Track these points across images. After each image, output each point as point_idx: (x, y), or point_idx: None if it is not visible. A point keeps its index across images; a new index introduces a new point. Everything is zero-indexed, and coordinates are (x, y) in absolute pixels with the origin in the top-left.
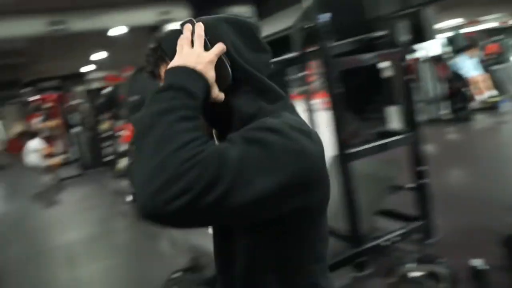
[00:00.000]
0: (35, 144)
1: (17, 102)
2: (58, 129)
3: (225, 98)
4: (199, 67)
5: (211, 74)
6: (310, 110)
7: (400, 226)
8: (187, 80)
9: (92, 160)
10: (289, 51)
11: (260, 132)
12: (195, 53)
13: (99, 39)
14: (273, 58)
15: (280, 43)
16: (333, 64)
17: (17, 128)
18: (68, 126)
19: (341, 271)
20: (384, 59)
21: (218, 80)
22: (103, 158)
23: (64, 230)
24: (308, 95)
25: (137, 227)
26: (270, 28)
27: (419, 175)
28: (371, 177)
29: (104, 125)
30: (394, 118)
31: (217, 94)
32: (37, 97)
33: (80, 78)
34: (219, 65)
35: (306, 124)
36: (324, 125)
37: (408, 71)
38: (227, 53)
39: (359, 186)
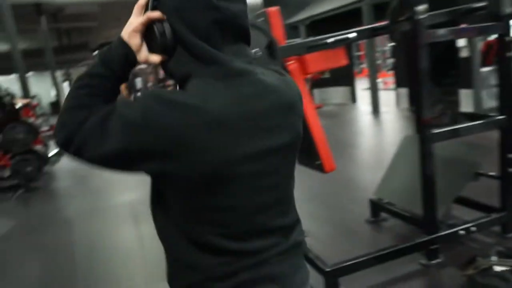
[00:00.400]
0: None
1: (85, 65)
2: (124, 92)
3: (165, 61)
4: (124, 35)
5: (134, 42)
6: (375, 89)
7: (479, 216)
8: (108, 49)
9: None
10: (359, 24)
11: (137, 100)
12: (128, 22)
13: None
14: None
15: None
16: (423, 36)
17: None
18: (132, 90)
19: (410, 256)
20: (483, 32)
21: (150, 44)
22: None
23: (128, 189)
24: (373, 73)
25: None
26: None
27: (508, 163)
28: (452, 161)
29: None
30: (466, 102)
31: (146, 57)
32: None
33: None
34: (149, 31)
35: (200, 90)
36: (390, 104)
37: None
38: (168, 20)
39: (438, 170)
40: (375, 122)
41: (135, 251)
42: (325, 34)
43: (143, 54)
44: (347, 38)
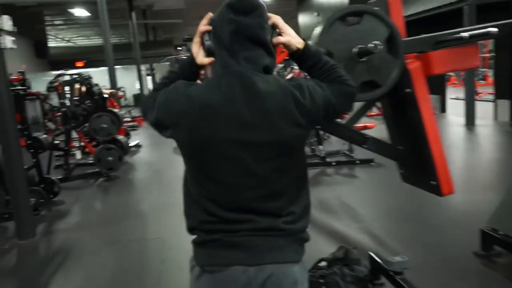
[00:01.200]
0: None
1: (167, 60)
2: None
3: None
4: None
5: (193, 49)
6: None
7: None
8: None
9: None
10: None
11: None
12: None
13: None
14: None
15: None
16: None
17: None
18: None
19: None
20: None
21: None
22: None
23: None
24: (471, 81)
25: None
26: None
27: None
28: None
29: None
30: None
31: (200, 60)
32: (185, 56)
33: None
34: (202, 43)
35: (204, 87)
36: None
37: None
38: (212, 32)
39: None
40: (469, 135)
41: None
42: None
43: (199, 58)
44: (488, 33)
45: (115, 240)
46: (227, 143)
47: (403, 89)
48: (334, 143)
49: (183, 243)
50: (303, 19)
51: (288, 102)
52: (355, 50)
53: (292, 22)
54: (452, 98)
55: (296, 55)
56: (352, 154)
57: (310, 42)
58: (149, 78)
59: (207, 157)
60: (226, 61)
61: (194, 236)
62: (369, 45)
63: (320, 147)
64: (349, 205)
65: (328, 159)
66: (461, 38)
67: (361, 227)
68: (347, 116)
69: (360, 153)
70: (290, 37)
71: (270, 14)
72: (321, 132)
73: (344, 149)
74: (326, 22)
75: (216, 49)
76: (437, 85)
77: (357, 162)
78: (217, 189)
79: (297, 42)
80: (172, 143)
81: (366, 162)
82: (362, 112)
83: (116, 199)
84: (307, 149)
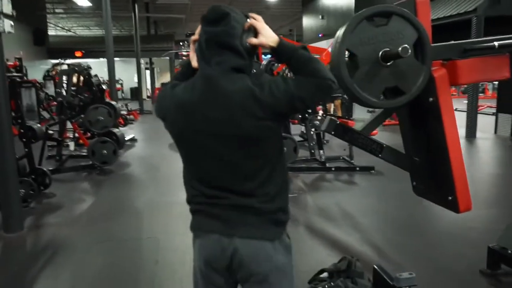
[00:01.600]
0: None
1: (168, 55)
2: None
3: None
4: None
5: (190, 55)
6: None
7: None
8: None
9: None
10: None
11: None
12: None
13: (254, 5)
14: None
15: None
16: None
17: (165, 79)
18: None
19: None
20: None
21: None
22: None
23: None
24: (474, 94)
25: None
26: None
27: None
28: None
29: None
30: None
31: (194, 64)
32: (186, 52)
33: None
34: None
35: (183, 87)
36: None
37: None
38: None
39: None
40: (470, 148)
41: None
42: None
43: (193, 62)
44: None
45: (107, 238)
46: (199, 135)
47: (426, 98)
48: (334, 148)
49: (178, 244)
50: (308, 21)
51: (247, 98)
52: (381, 53)
53: (297, 24)
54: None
55: (272, 53)
56: (352, 161)
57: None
58: (147, 72)
59: (187, 146)
60: (202, 65)
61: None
62: (399, 49)
63: (321, 151)
64: (349, 213)
65: (327, 165)
66: (493, 47)
67: (363, 237)
68: (364, 124)
69: (360, 160)
70: (263, 37)
71: (252, 15)
72: (322, 136)
73: (344, 155)
74: (352, 20)
75: (198, 55)
76: None
77: (357, 169)
78: (199, 170)
79: (270, 41)
80: (168, 138)
81: (366, 169)
82: (380, 120)
83: (110, 194)
84: (306, 153)
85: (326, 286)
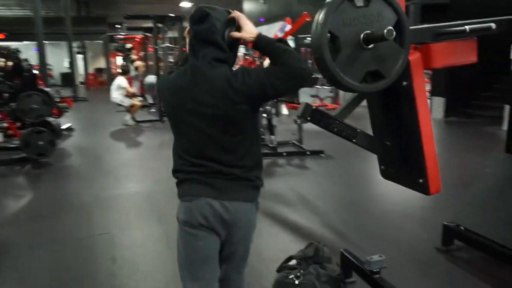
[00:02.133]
0: (120, 82)
1: (102, 38)
2: (140, 71)
3: None
4: None
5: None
6: None
7: None
8: None
9: None
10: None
11: None
12: None
13: None
14: None
15: None
16: None
17: (99, 64)
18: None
19: None
20: None
21: None
22: None
23: (147, 173)
24: None
25: None
26: None
27: None
28: None
29: None
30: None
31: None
32: (123, 35)
33: (173, 22)
34: None
35: (176, 74)
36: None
37: None
38: None
39: None
40: None
41: (161, 254)
42: None
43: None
44: (489, 28)
45: (54, 237)
46: (186, 113)
47: (400, 81)
48: (281, 133)
49: (134, 239)
50: (248, 5)
51: (224, 85)
52: (362, 35)
53: (237, 8)
54: None
55: (253, 46)
56: (302, 145)
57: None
58: (80, 56)
59: (177, 122)
60: (191, 57)
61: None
62: (384, 31)
63: (272, 137)
64: (306, 197)
65: (279, 150)
66: (464, 31)
67: (322, 221)
68: (337, 108)
69: (309, 144)
70: (244, 32)
71: (236, 13)
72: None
73: (294, 139)
74: (333, 0)
75: (188, 48)
76: None
77: (308, 153)
78: (187, 143)
79: (250, 35)
80: (109, 126)
81: (316, 153)
82: (354, 105)
83: (50, 189)
84: None
85: (298, 274)
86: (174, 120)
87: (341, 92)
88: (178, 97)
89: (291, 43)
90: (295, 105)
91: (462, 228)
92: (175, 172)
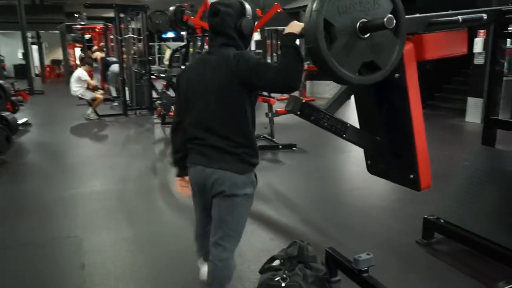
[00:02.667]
0: (80, 74)
1: (60, 28)
2: (99, 62)
3: None
4: None
5: None
6: None
7: None
8: None
9: (137, 102)
10: None
11: None
12: None
13: None
14: None
15: None
16: None
17: (55, 55)
18: (108, 62)
19: None
20: None
21: None
22: (151, 101)
23: (111, 171)
24: None
25: None
26: None
27: None
28: None
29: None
30: (474, 111)
31: None
32: (81, 26)
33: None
34: None
35: (193, 61)
36: None
37: None
38: None
39: None
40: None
41: (133, 257)
42: None
43: None
44: (481, 18)
45: (15, 242)
46: (196, 91)
47: (392, 73)
48: None
49: (104, 241)
50: None
51: (223, 63)
52: (359, 24)
53: None
54: None
55: None
56: (273, 139)
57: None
58: (35, 47)
59: (188, 100)
60: (208, 45)
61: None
62: (384, 19)
63: None
64: (282, 193)
65: None
66: (457, 21)
67: (300, 217)
68: (328, 103)
69: (280, 138)
70: (288, 28)
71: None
72: None
73: (265, 133)
74: None
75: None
76: None
77: (280, 147)
78: (193, 118)
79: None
80: (69, 121)
81: (288, 147)
82: (343, 98)
83: (7, 189)
84: None
85: (284, 275)
86: (186, 100)
87: (307, 84)
88: (192, 79)
89: (257, 35)
90: (265, 98)
91: (442, 221)
92: (184, 143)
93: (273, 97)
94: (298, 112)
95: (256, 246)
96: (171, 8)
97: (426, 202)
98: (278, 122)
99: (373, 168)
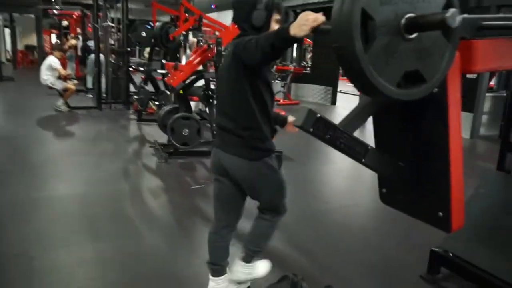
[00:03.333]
0: (51, 62)
1: (34, 12)
2: (73, 51)
3: None
4: None
5: None
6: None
7: None
8: None
9: (113, 95)
10: None
11: None
12: None
13: None
14: None
15: None
16: None
17: (29, 40)
18: (86, 50)
19: None
20: None
21: None
22: (128, 95)
23: (80, 172)
24: None
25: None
26: None
27: None
28: None
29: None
30: (464, 126)
31: None
32: (57, 11)
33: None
34: None
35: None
36: None
37: None
38: None
39: None
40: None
41: (98, 281)
42: None
43: None
44: None
45: None
46: (221, 77)
47: None
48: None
49: (62, 261)
50: None
51: (231, 50)
52: (404, 19)
53: None
54: (342, 92)
55: None
56: None
57: None
58: (7, 30)
59: (218, 85)
60: None
61: None
62: (447, 14)
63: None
64: None
65: None
66: None
67: (288, 239)
68: (344, 120)
69: None
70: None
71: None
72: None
73: None
74: None
75: None
76: (330, 77)
77: None
78: (218, 102)
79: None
80: (37, 112)
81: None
82: (365, 113)
83: None
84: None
85: None
86: (218, 86)
87: (292, 87)
88: (221, 68)
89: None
90: None
91: (451, 254)
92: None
93: None
94: (311, 129)
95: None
96: (158, 24)
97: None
98: None
99: (388, 197)
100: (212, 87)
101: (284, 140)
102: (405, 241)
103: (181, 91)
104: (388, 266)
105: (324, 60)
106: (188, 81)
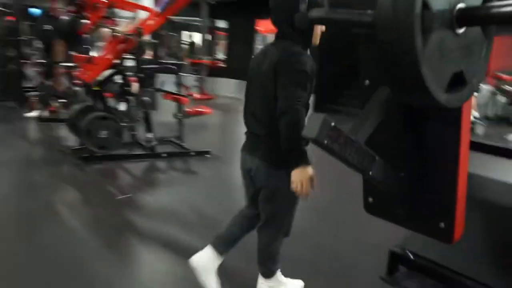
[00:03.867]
0: None
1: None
2: None
3: None
4: None
5: None
6: None
7: None
8: None
9: (3, 92)
10: None
11: None
12: None
13: None
14: None
15: None
16: None
17: None
18: None
19: None
20: None
21: None
22: (26, 92)
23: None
24: None
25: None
26: None
27: None
28: None
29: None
30: None
31: None
32: None
33: None
34: None
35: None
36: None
37: None
38: None
39: None
40: None
41: None
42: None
43: None
44: None
45: None
46: (254, 79)
47: None
48: (157, 128)
49: None
50: None
51: (273, 60)
52: (457, 10)
53: None
54: None
55: None
56: (182, 144)
57: None
58: None
59: (249, 87)
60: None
61: None
62: None
63: (149, 135)
64: (205, 213)
65: (158, 150)
66: None
67: (239, 250)
68: (352, 126)
69: (190, 141)
70: None
71: None
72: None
73: (172, 136)
74: None
75: None
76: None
77: (192, 153)
78: (249, 103)
79: None
80: None
81: (201, 153)
82: (376, 119)
83: None
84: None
85: None
86: (248, 86)
87: (208, 82)
88: (254, 67)
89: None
90: (175, 96)
91: (410, 253)
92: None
93: (185, 96)
94: (325, 141)
95: None
96: (65, 19)
97: (387, 229)
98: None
99: (375, 208)
100: (131, 83)
101: (207, 137)
102: (358, 242)
103: (97, 87)
104: (348, 271)
105: (238, 53)
106: (102, 76)
